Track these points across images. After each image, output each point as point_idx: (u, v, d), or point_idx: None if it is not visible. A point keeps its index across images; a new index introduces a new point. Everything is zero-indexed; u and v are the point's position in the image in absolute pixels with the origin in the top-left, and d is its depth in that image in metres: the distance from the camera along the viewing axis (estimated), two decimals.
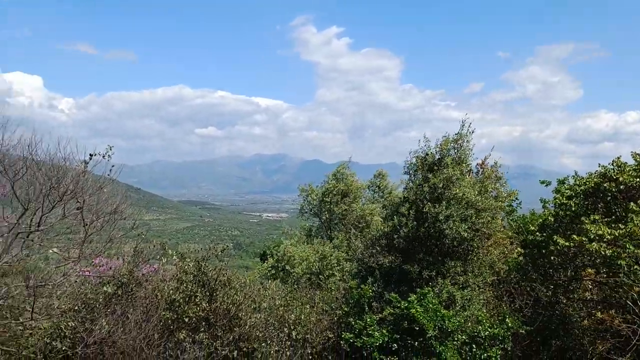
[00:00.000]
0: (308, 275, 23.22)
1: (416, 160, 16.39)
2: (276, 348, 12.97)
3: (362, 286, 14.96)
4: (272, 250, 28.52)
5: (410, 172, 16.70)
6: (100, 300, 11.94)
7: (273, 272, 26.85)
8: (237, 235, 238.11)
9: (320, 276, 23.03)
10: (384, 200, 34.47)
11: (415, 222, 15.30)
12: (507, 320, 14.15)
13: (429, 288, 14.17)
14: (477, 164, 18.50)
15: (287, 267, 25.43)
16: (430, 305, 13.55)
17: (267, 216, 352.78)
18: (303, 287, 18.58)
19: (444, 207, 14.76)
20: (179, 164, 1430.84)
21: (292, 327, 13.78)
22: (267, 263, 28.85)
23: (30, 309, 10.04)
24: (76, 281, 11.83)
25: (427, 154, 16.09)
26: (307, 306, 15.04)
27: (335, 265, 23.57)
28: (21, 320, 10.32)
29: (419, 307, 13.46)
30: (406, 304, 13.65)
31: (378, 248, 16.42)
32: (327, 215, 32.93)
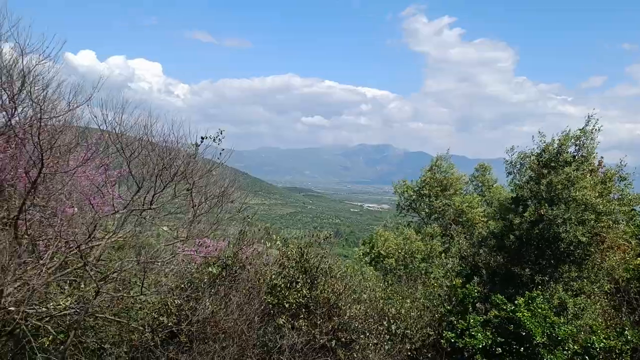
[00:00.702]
0: (402, 266, 22.82)
1: (523, 156, 15.47)
2: (375, 341, 12.74)
3: (467, 285, 14.35)
4: (372, 240, 28.40)
5: (514, 170, 15.80)
6: (205, 280, 12.25)
7: (366, 259, 26.72)
8: (337, 223, 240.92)
9: (405, 260, 22.58)
10: (487, 195, 33.24)
11: (529, 224, 14.40)
12: (626, 332, 13.03)
13: (538, 292, 13.33)
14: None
15: (382, 252, 25.07)
16: (539, 310, 12.75)
17: (368, 206, 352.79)
18: (403, 281, 18.20)
19: (562, 210, 13.75)
20: (284, 150, 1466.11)
21: (391, 321, 13.50)
22: (361, 248, 28.85)
23: (141, 284, 10.43)
24: (183, 260, 12.18)
25: (543, 150, 15.12)
26: (408, 300, 14.68)
27: (423, 249, 23.00)
28: (132, 293, 10.76)
29: (526, 311, 12.70)
30: (512, 307, 12.93)
31: (486, 248, 15.67)
32: (426, 211, 32.16)
